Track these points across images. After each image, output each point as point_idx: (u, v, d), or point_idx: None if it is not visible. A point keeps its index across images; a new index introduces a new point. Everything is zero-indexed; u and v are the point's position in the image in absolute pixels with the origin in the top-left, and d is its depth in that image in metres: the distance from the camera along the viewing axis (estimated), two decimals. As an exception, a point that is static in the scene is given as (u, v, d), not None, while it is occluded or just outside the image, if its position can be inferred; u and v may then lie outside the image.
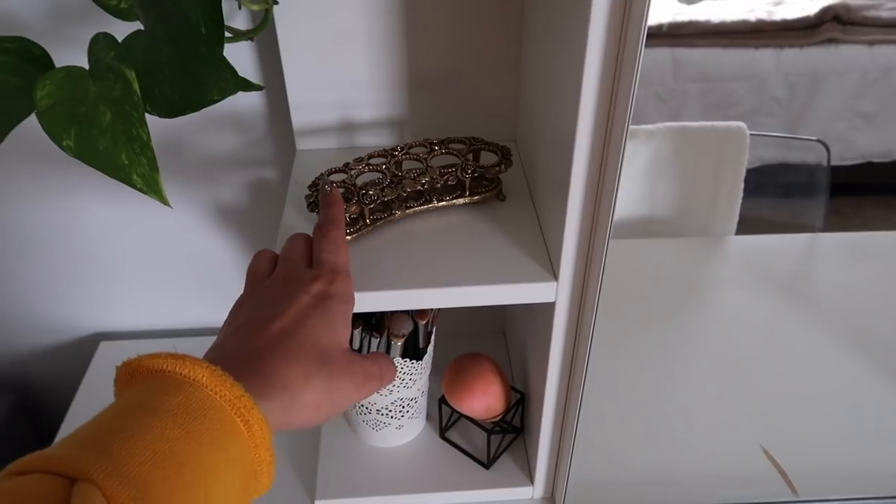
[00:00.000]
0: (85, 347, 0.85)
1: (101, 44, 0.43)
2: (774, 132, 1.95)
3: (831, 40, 1.81)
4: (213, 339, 0.39)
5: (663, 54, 1.80)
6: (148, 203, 0.73)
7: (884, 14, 1.81)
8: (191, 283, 0.81)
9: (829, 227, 1.13)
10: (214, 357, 0.36)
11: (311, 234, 0.47)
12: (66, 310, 0.83)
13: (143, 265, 0.80)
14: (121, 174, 0.39)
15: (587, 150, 0.42)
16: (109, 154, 0.39)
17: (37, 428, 0.90)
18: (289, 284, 0.40)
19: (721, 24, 1.81)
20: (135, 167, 0.39)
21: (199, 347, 0.36)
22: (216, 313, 0.83)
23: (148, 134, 0.39)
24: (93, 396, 0.78)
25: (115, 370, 0.32)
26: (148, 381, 0.31)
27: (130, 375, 0.32)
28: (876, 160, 1.96)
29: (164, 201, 0.40)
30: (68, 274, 0.80)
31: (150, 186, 0.39)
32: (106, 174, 0.39)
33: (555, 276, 0.49)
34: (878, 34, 1.81)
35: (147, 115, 0.44)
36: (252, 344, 0.36)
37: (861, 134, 1.92)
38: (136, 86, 0.39)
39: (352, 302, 0.42)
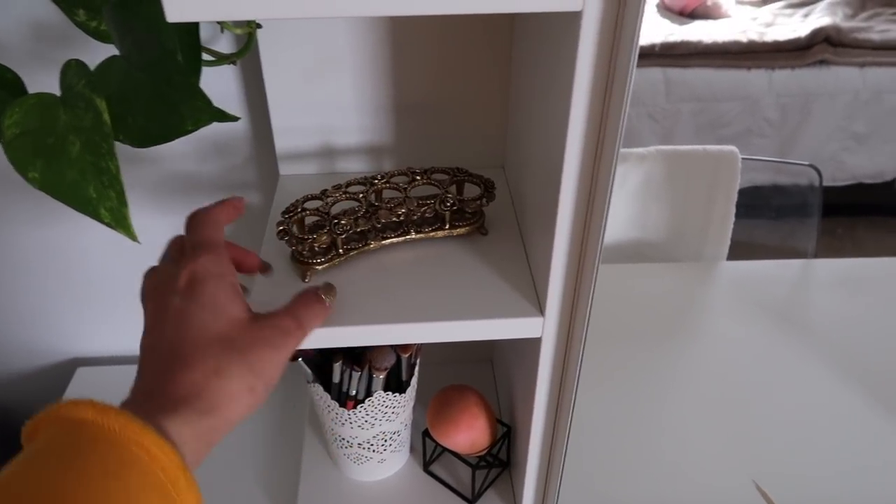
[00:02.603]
0: (61, 373, 0.83)
1: (72, 70, 0.42)
2: (766, 153, 1.96)
3: (823, 62, 1.82)
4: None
5: (656, 74, 1.80)
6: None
7: (874, 36, 1.82)
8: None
9: (821, 248, 1.12)
10: (127, 403, 0.35)
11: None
12: (42, 334, 0.81)
13: (121, 289, 0.78)
14: (88, 208, 0.38)
15: (576, 175, 0.41)
16: (77, 187, 0.37)
17: (8, 457, 0.87)
18: (157, 292, 0.38)
19: (713, 45, 1.82)
20: (103, 201, 0.38)
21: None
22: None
23: (117, 166, 0.37)
24: (69, 423, 0.76)
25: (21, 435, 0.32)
26: (43, 433, 0.31)
27: (34, 429, 0.32)
28: (867, 181, 1.97)
29: (133, 237, 0.38)
30: (44, 298, 0.78)
31: (119, 221, 0.38)
32: (72, 208, 0.38)
33: (541, 310, 0.48)
34: (869, 56, 1.82)
35: (120, 142, 0.43)
36: (150, 375, 0.36)
37: (852, 155, 1.93)
38: (106, 115, 0.38)
39: (228, 271, 0.39)
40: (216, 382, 0.34)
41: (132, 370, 0.90)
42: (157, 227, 0.73)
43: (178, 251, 0.41)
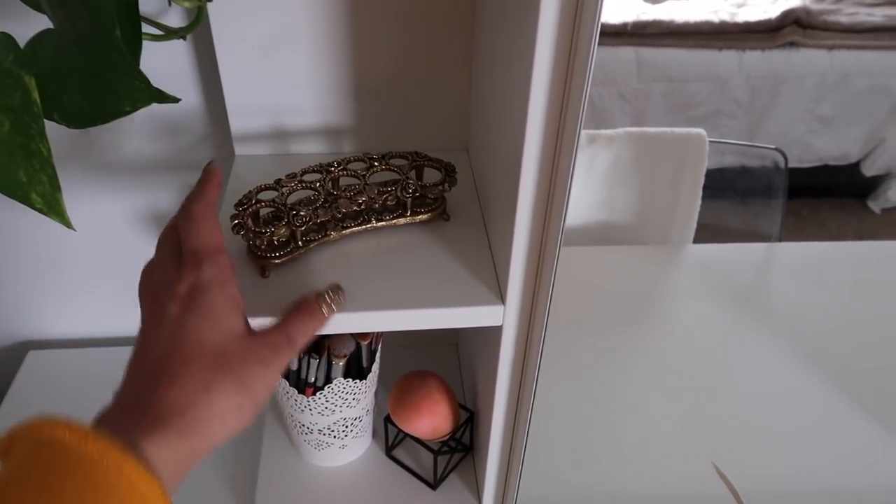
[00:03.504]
0: (11, 357, 0.80)
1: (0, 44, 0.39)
2: (735, 134, 1.97)
3: (792, 44, 1.83)
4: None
5: (627, 53, 1.79)
6: (79, 208, 0.69)
7: (843, 19, 1.84)
8: (124, 291, 0.77)
9: (786, 229, 1.13)
10: (109, 411, 0.33)
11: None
12: (-10, 318, 0.78)
13: (75, 270, 0.75)
14: (18, 193, 0.35)
15: (536, 157, 0.40)
16: (5, 170, 0.35)
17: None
18: (156, 299, 0.36)
19: (685, 25, 1.81)
20: (34, 185, 0.35)
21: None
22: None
23: (49, 149, 0.35)
24: (20, 408, 0.73)
25: None
26: (16, 452, 0.29)
27: (9, 446, 0.30)
28: (832, 163, 2.00)
29: (67, 224, 0.36)
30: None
31: (52, 207, 0.36)
32: (1, 192, 0.35)
33: (502, 298, 0.47)
34: (838, 39, 1.83)
35: (57, 123, 0.40)
36: (137, 383, 0.34)
37: (819, 137, 1.95)
38: (35, 94, 0.35)
39: (230, 281, 0.37)
40: (205, 399, 0.33)
41: (86, 354, 0.87)
42: (110, 206, 0.70)
43: (175, 247, 0.39)
